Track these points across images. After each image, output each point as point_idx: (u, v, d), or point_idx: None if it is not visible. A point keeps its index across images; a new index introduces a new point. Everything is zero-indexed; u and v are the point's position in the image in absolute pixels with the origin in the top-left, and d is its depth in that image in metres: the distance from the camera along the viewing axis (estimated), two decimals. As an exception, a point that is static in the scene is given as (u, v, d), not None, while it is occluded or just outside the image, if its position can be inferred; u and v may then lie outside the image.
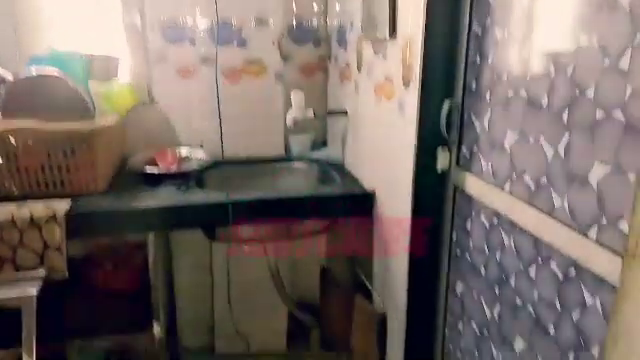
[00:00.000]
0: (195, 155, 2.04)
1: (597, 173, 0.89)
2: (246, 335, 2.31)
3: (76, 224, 1.49)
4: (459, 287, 1.41)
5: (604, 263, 0.86)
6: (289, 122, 1.88)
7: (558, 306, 1.00)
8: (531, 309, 1.09)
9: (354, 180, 1.87)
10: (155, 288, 1.69)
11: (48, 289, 1.44)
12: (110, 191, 1.66)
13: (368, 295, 1.78)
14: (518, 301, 1.14)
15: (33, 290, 1.36)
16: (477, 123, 1.26)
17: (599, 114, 0.87)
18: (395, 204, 1.54)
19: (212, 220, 1.66)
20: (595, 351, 0.91)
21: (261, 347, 2.36)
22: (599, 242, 0.88)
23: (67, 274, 1.52)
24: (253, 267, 2.20)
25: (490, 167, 1.22)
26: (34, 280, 1.42)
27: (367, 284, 1.78)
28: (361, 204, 1.73)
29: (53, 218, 1.46)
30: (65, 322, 1.71)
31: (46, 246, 1.48)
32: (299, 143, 2.21)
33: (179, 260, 2.27)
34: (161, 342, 1.77)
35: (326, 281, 2.03)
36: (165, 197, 1.65)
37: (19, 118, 1.55)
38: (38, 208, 1.47)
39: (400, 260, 1.52)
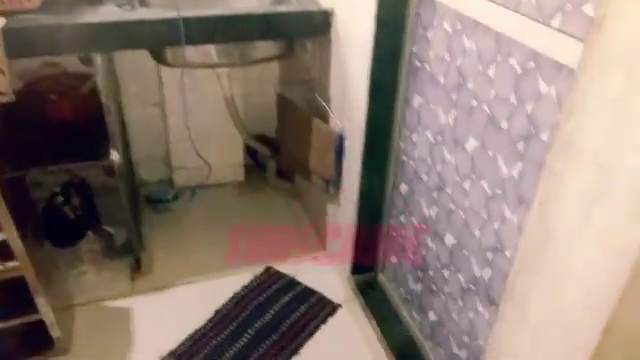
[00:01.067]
0: (134, -27, 1.85)
1: (568, -41, 0.88)
2: (204, 167, 2.35)
3: (15, 42, 1.37)
4: (416, 100, 1.45)
5: (565, 49, 0.90)
6: None
7: (514, 100, 1.06)
8: (486, 108, 1.15)
9: (311, 1, 1.78)
10: (108, 113, 1.63)
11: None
12: (46, 8, 1.51)
13: (326, 120, 1.81)
14: (474, 103, 1.19)
15: (-22, 109, 1.29)
16: None
17: None
18: (355, 21, 1.50)
19: (162, 39, 1.57)
20: (545, 136, 0.99)
21: (219, 180, 2.43)
22: (562, 30, 0.91)
23: (13, 97, 1.43)
24: (206, 97, 2.17)
25: (457, -32, 1.18)
26: (-24, 101, 1.33)
27: (325, 107, 1.80)
28: (318, 24, 1.67)
29: (-15, 33, 1.33)
30: (16, 153, 1.66)
31: (-17, 65, 1.36)
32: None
33: (127, 94, 2.19)
34: (120, 169, 1.78)
35: (283, 107, 2.04)
36: (108, 14, 1.52)
37: None
38: (-34, 22, 1.33)
39: (359, 79, 1.53)
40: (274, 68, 2.27)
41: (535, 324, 0.90)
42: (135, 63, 2.08)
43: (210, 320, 1.81)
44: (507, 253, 1.15)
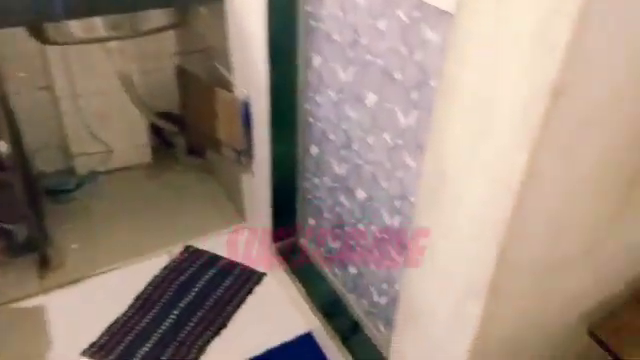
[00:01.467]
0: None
1: None
2: (107, 151, 2.23)
3: None
4: (316, 60, 1.45)
5: (443, -4, 0.93)
6: None
7: (404, 51, 1.09)
8: (380, 61, 1.17)
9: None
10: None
11: None
12: None
13: (230, 88, 1.77)
14: (369, 57, 1.21)
15: None
16: None
17: None
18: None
19: (37, 14, 1.43)
20: (434, 83, 1.03)
21: (124, 163, 2.32)
22: (439, -23, 0.94)
23: None
24: (100, 76, 2.04)
25: None
26: None
27: (227, 75, 1.76)
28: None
29: None
30: None
31: None
32: None
33: (11, 79, 2.00)
34: (10, 161, 1.64)
35: (183, 80, 1.96)
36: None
37: None
38: None
39: (258, 43, 1.50)
40: (171, 39, 2.17)
41: (439, 261, 0.95)
42: (16, 44, 1.90)
43: (131, 306, 1.75)
44: (412, 199, 1.20)
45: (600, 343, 1.08)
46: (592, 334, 1.09)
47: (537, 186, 0.78)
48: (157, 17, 1.75)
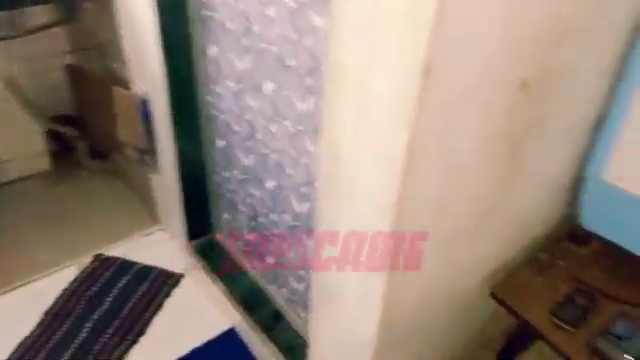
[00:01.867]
0: None
1: None
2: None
3: None
4: (212, 50, 1.42)
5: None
6: None
7: (294, 37, 1.09)
8: (273, 48, 1.17)
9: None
10: None
11: None
12: None
13: (127, 85, 1.69)
14: (263, 45, 1.20)
15: None
16: None
17: None
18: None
19: None
20: (324, 68, 1.04)
21: (20, 173, 2.16)
22: (319, -39, 0.94)
23: None
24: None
25: None
26: None
27: (122, 72, 1.67)
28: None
29: None
30: None
31: None
32: None
33: None
34: None
35: (76, 80, 1.85)
36: None
37: None
38: None
39: (150, 36, 1.44)
40: (60, 37, 2.02)
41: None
42: None
43: (40, 323, 1.65)
44: (317, 184, 1.21)
45: (501, 302, 1.15)
46: (493, 295, 1.16)
47: (421, 165, 0.80)
48: (40, 13, 1.63)
